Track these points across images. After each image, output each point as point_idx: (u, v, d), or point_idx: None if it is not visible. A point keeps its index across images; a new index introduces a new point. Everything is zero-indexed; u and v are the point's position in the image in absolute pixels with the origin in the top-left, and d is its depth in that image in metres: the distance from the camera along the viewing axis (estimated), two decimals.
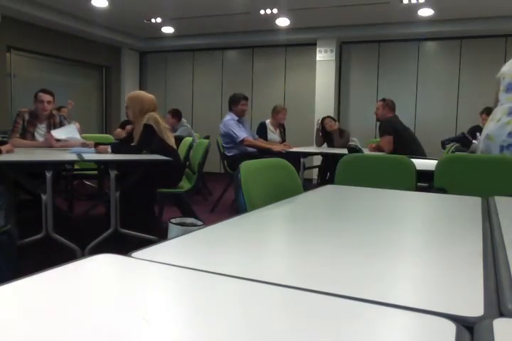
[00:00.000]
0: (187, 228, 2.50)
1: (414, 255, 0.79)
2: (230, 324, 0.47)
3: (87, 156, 2.88)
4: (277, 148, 4.44)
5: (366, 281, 0.62)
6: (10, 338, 0.43)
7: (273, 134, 5.01)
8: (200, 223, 2.62)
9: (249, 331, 0.46)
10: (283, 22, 6.38)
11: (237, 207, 1.35)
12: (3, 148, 2.84)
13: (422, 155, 3.81)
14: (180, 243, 0.82)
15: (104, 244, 2.74)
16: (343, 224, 1.04)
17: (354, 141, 4.04)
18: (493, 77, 2.45)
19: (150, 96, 3.26)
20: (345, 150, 3.76)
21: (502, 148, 2.10)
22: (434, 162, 2.12)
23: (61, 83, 6.90)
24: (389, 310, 0.52)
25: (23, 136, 3.64)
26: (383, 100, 4.26)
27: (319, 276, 0.64)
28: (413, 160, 2.11)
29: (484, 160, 2.08)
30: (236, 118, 4.51)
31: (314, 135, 5.46)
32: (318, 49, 6.90)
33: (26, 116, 3.66)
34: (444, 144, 4.63)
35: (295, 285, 0.59)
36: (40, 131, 3.73)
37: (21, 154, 2.93)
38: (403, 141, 3.91)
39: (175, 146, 3.27)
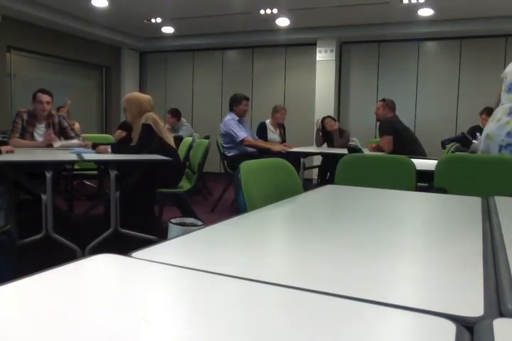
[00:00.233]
0: (187, 228, 2.50)
1: (414, 255, 0.79)
2: (230, 324, 0.47)
3: (87, 156, 2.89)
4: (277, 148, 4.45)
5: (366, 281, 0.62)
6: (10, 338, 0.43)
7: (273, 134, 5.01)
8: (200, 223, 2.62)
9: (249, 331, 0.46)
10: (283, 22, 6.38)
11: (237, 207, 1.35)
12: (3, 148, 2.84)
13: (422, 155, 3.81)
14: (180, 243, 0.82)
15: (104, 244, 2.73)
16: (343, 224, 1.04)
17: (354, 141, 4.04)
18: (493, 77, 2.46)
19: (146, 96, 3.27)
20: (345, 150, 3.76)
21: (501, 147, 2.10)
22: (434, 162, 2.11)
23: (61, 83, 6.90)
24: (389, 310, 0.52)
25: (22, 136, 3.64)
26: (383, 100, 4.26)
27: (319, 276, 0.64)
28: (413, 160, 2.11)
29: (484, 160, 2.07)
30: (236, 118, 4.52)
31: (314, 135, 5.47)
32: (318, 49, 6.90)
33: (25, 116, 3.66)
34: (444, 144, 4.63)
35: (295, 285, 0.59)
36: (39, 131, 3.73)
37: (21, 154, 2.93)
38: (403, 141, 3.91)
39: (174, 146, 3.27)
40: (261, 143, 4.63)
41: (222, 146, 4.56)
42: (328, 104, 6.88)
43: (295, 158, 4.14)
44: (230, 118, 4.49)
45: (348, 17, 6.16)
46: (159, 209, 3.52)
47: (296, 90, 7.26)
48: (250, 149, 4.51)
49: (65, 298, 0.53)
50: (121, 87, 7.88)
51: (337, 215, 1.17)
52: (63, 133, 3.81)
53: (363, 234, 0.92)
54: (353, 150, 3.67)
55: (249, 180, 1.34)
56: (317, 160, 5.98)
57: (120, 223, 2.81)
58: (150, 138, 3.07)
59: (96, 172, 4.19)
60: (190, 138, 3.90)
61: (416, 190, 2.01)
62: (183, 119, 5.52)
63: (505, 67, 2.34)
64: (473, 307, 0.52)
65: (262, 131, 4.97)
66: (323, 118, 5.30)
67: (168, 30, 7.05)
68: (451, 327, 0.46)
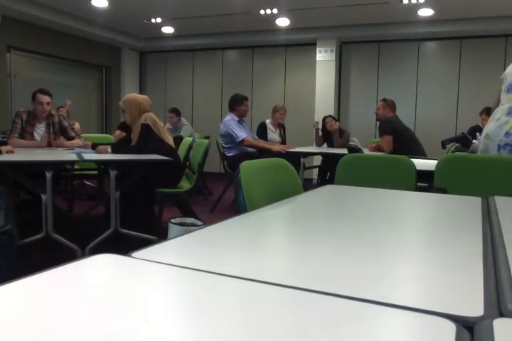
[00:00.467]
0: (187, 228, 2.50)
1: (414, 255, 0.79)
2: (230, 324, 0.47)
3: (87, 156, 2.89)
4: (277, 148, 4.44)
5: (366, 281, 0.62)
6: (10, 338, 0.43)
7: (273, 134, 5.01)
8: (200, 223, 2.62)
9: (249, 331, 0.46)
10: (283, 22, 6.38)
11: (237, 207, 1.35)
12: (4, 148, 2.84)
13: (422, 155, 3.81)
14: (180, 243, 0.82)
15: (104, 244, 2.73)
16: (343, 224, 1.04)
17: (354, 141, 4.04)
18: (493, 77, 2.46)
19: (144, 96, 3.29)
20: (345, 150, 3.76)
21: (499, 147, 2.10)
22: (434, 162, 2.11)
23: (61, 83, 6.90)
24: (389, 310, 0.52)
25: (21, 136, 3.64)
26: (384, 100, 4.26)
27: (319, 276, 0.64)
28: (413, 160, 2.11)
29: (484, 160, 2.07)
30: (236, 118, 4.52)
31: (314, 135, 5.47)
32: (318, 49, 6.90)
33: (24, 116, 3.66)
34: (444, 144, 4.63)
35: (295, 285, 0.59)
36: (39, 131, 3.73)
37: (21, 154, 2.93)
38: (403, 141, 3.91)
39: (173, 145, 3.27)
40: (261, 143, 4.63)
41: (222, 146, 4.56)
42: (328, 104, 6.88)
43: (295, 158, 4.14)
44: (230, 119, 4.49)
45: (348, 17, 6.16)
46: (159, 209, 3.52)
47: (296, 90, 7.26)
48: (250, 149, 4.51)
49: (65, 298, 0.53)
50: (121, 87, 7.88)
51: (337, 215, 1.17)
52: (63, 132, 3.81)
53: (363, 234, 0.92)
54: (353, 150, 3.67)
55: (249, 180, 1.34)
56: (317, 160, 5.98)
57: (120, 223, 2.81)
58: (149, 138, 3.07)
59: (96, 172, 4.20)
60: (190, 138, 3.90)
61: (416, 190, 2.01)
62: (182, 119, 5.52)
63: (505, 67, 2.34)
64: (473, 307, 0.52)
65: (262, 131, 4.97)
66: (325, 118, 5.30)
67: (168, 30, 7.05)
68: (451, 327, 0.46)
